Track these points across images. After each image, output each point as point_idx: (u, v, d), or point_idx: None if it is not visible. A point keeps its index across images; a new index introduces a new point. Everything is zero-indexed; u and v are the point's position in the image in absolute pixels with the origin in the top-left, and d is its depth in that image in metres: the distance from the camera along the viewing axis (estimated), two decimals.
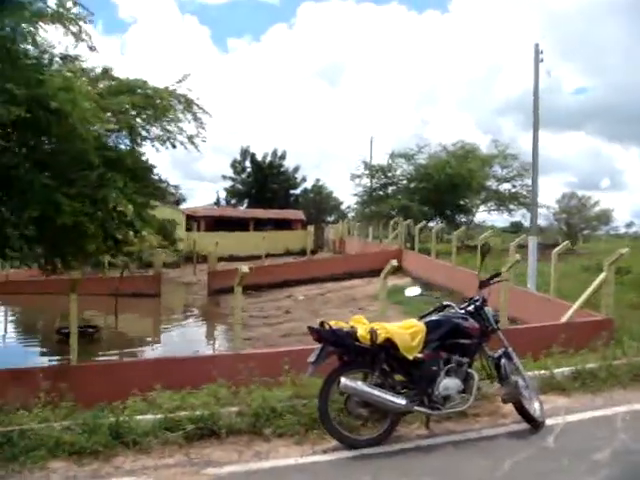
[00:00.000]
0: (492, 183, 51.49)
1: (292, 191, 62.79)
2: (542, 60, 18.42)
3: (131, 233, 9.71)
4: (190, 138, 11.66)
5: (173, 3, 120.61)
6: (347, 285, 28.75)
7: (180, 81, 11.06)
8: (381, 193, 35.53)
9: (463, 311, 6.04)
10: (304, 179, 63.53)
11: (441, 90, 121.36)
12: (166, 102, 10.43)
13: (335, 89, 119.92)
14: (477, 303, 6.08)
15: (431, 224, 33.58)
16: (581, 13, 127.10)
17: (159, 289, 29.64)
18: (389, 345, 5.53)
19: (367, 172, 35.89)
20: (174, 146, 11.46)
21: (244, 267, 10.12)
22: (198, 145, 11.66)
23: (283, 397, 6.31)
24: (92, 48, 11.59)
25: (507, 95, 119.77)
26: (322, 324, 5.62)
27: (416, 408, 5.53)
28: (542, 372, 7.27)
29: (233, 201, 64.97)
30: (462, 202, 36.48)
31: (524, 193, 50.93)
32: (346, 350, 5.56)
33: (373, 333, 5.49)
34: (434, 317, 5.97)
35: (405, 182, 35.62)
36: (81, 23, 11.23)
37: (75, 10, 11.05)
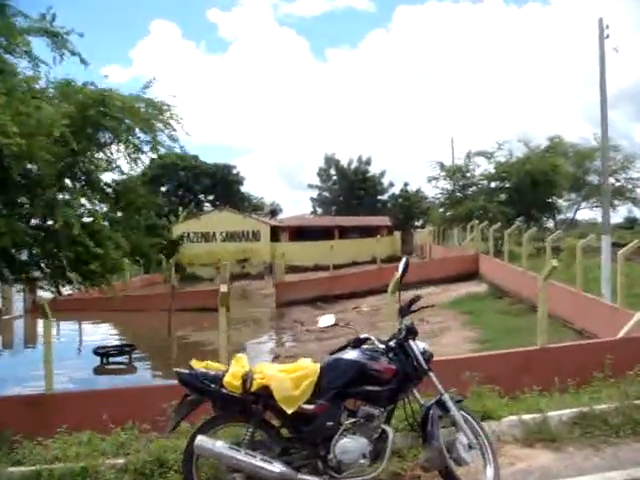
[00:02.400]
0: (593, 178, 48.26)
1: (380, 197, 61.31)
2: (608, 36, 16.32)
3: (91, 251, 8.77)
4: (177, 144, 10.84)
5: (271, 18, 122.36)
6: (421, 293, 27.06)
7: (146, 87, 10.18)
8: (460, 195, 33.46)
9: (384, 346, 4.65)
10: (391, 184, 62.00)
11: (546, 85, 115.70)
12: (134, 109, 9.55)
13: (434, 91, 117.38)
14: (400, 336, 4.66)
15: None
16: None
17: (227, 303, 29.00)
18: (266, 394, 4.26)
19: (444, 174, 33.90)
20: (160, 157, 10.60)
21: (223, 287, 9.08)
22: (183, 147, 10.85)
23: (181, 446, 5.14)
24: (83, 61, 11.10)
25: (618, 86, 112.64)
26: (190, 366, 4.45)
27: (300, 477, 4.17)
28: (533, 416, 5.67)
29: (321, 210, 64.48)
30: (550, 200, 33.65)
31: (629, 187, 47.38)
32: (213, 399, 4.34)
33: (246, 379, 4.25)
34: (337, 356, 4.61)
35: (485, 182, 33.38)
36: (69, 37, 10.85)
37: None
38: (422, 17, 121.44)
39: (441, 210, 35.73)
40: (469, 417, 4.63)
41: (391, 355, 4.55)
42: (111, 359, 17.88)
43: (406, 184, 60.64)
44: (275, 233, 54.22)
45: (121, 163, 11.15)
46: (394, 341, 4.65)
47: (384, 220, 54.42)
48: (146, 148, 11.01)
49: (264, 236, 52.43)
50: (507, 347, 14.20)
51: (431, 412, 4.42)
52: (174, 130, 10.24)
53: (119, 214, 10.64)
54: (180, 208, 67.04)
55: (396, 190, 61.72)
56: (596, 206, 50.85)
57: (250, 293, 41.82)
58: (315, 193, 64.28)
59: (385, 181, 61.97)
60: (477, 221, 28.40)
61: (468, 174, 33.71)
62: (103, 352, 17.76)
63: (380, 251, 49.29)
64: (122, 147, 10.78)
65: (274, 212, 78.21)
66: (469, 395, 6.27)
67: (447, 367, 10.23)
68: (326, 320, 5.26)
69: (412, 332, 4.67)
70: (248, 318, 27.48)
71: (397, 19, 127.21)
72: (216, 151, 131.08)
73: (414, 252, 48.56)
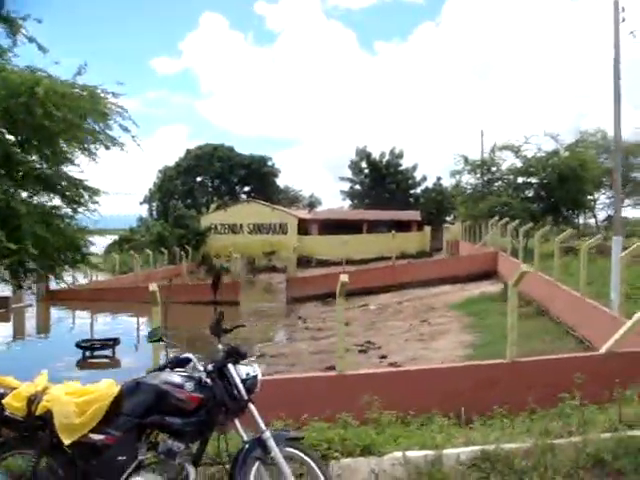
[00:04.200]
0: (637, 174, 46.31)
1: (412, 191, 59.94)
2: (624, 20, 15.01)
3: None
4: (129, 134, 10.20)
5: (319, 10, 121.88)
6: (435, 292, 26.06)
7: (78, 74, 9.50)
8: (485, 190, 32.10)
9: (203, 370, 3.86)
10: (424, 178, 60.46)
11: (602, 79, 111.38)
12: (69, 97, 8.87)
13: (482, 85, 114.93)
14: (218, 359, 3.86)
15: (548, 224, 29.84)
16: None
17: (237, 297, 28.38)
18: (51, 419, 3.62)
19: (468, 168, 32.57)
20: (107, 147, 9.95)
21: (153, 285, 8.34)
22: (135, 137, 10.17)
23: None
24: (42, 48, 10.63)
25: None
26: None
27: None
28: (425, 453, 4.76)
29: (353, 203, 63.54)
30: (583, 197, 31.92)
31: None
32: None
33: (33, 400, 3.64)
34: (139, 379, 3.84)
35: (512, 177, 31.91)
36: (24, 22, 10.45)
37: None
38: (472, 9, 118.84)
39: (464, 205, 34.41)
40: (307, 458, 3.81)
41: (208, 381, 3.75)
42: (97, 352, 17.40)
43: (439, 178, 59.02)
44: (304, 226, 53.48)
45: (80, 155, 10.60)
46: (212, 365, 3.84)
47: (414, 215, 53.16)
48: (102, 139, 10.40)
49: (291, 229, 51.81)
50: (500, 354, 13.24)
51: (243, 452, 3.63)
52: (119, 119, 9.59)
53: (62, 206, 10.01)
54: (215, 199, 67.17)
55: (429, 184, 60.33)
56: (639, 204, 48.92)
57: (274, 287, 41.27)
58: (347, 186, 63.30)
59: (418, 175, 60.64)
60: (497, 218, 27.11)
61: (494, 168, 32.34)
62: (87, 345, 17.29)
63: (409, 246, 48.52)
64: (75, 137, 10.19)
65: (312, 204, 77.48)
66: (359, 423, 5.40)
67: (405, 378, 9.38)
68: (153, 334, 4.43)
69: (233, 354, 3.87)
70: (255, 313, 26.85)
71: (447, 12, 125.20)
72: (263, 143, 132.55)
73: (444, 248, 47.31)
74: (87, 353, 17.29)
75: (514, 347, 9.16)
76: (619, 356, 9.18)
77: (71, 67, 9.93)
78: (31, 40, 10.72)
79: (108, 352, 17.43)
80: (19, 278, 10.07)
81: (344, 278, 8.91)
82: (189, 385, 3.69)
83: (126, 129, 10.30)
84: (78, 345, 17.32)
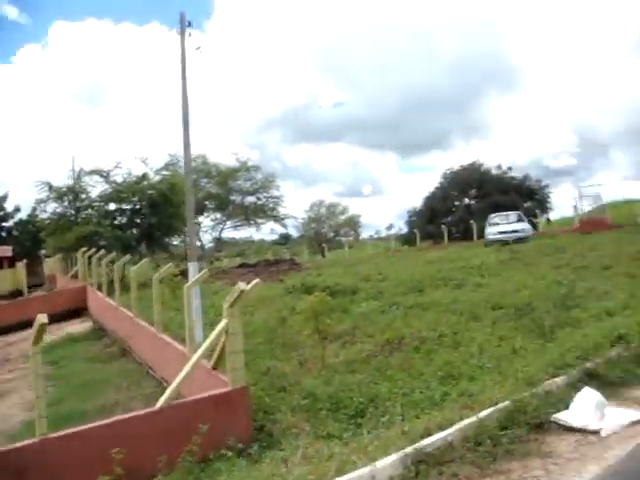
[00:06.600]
0: (236, 197, 48.65)
1: (4, 224, 53.50)
2: (190, 35, 14.36)
3: None
4: None
5: None
6: (13, 340, 22.40)
7: None
8: (73, 219, 29.45)
9: None
10: (18, 209, 54.46)
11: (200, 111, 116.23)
12: None
13: (89, 111, 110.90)
14: None
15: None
16: (338, 31, 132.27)
17: None
18: None
19: (53, 195, 29.57)
20: None
21: None
22: None
23: None
24: None
25: (271, 113, 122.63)
26: None
27: None
28: None
29: None
30: (177, 221, 31.36)
31: (270, 205, 48.97)
32: None
33: None
34: None
35: (102, 204, 29.91)
36: None
37: None
38: (77, 34, 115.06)
39: (53, 237, 31.24)
40: None
41: None
42: None
43: (34, 209, 53.70)
44: None
45: None
46: None
47: (5, 250, 47.36)
48: None
49: None
50: (74, 412, 11.22)
51: None
52: None
53: None
54: None
55: (24, 216, 54.49)
56: (239, 225, 51.57)
57: None
58: None
59: (9, 206, 54.36)
60: (85, 248, 24.80)
61: (83, 195, 29.93)
62: None
63: (1, 286, 42.88)
64: None
65: None
66: None
67: None
68: None
69: None
70: None
71: (53, 35, 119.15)
72: None
73: (45, 283, 43.12)
74: None
75: (44, 420, 7.10)
76: (177, 408, 7.81)
77: None
78: None
79: None
80: None
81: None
82: None
83: None
84: None
